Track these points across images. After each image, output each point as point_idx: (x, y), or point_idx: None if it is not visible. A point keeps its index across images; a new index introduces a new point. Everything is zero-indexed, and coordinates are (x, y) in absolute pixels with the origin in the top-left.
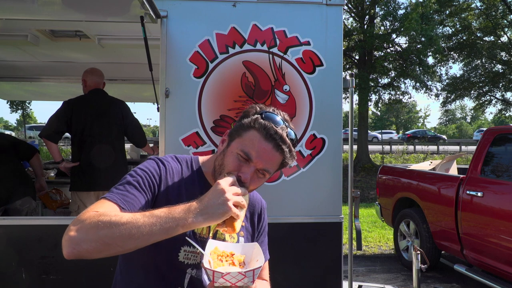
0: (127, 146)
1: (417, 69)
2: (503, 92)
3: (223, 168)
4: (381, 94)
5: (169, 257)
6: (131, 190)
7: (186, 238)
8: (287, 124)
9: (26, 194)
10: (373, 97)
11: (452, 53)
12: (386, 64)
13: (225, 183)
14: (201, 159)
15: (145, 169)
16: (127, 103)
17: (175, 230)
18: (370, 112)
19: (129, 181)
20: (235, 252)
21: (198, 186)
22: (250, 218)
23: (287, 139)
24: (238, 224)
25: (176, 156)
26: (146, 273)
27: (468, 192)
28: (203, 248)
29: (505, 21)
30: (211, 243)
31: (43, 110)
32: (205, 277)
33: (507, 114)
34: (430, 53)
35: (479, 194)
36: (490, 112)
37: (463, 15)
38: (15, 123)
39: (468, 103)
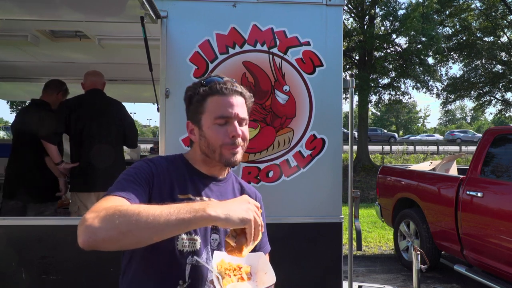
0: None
1: (418, 69)
2: (503, 93)
3: (213, 144)
4: (381, 94)
5: (169, 248)
6: (131, 185)
7: (195, 257)
8: (222, 77)
9: (50, 199)
10: (373, 98)
11: (452, 53)
12: (386, 64)
13: (251, 199)
14: (184, 153)
15: (136, 168)
16: (127, 103)
17: (192, 222)
18: (370, 113)
19: (125, 179)
20: (242, 263)
21: (187, 175)
22: None
23: (234, 82)
24: (246, 251)
25: (161, 156)
26: (147, 270)
27: (468, 192)
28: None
29: (505, 21)
30: (217, 255)
31: None
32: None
33: (507, 115)
34: (430, 53)
35: (479, 194)
36: (490, 113)
37: (463, 15)
38: None
39: (468, 103)
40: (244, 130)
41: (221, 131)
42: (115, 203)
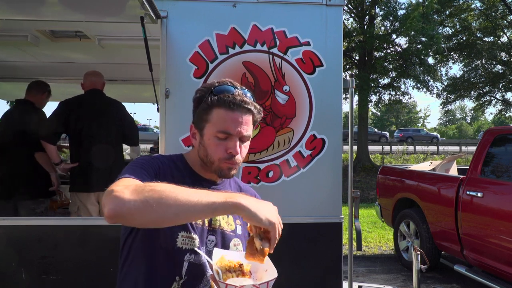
0: (127, 146)
1: (418, 69)
2: (503, 93)
3: (211, 156)
4: (381, 94)
5: (168, 244)
6: (143, 172)
7: (196, 249)
8: (236, 86)
9: (40, 196)
10: (373, 98)
11: (452, 53)
12: (386, 64)
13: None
14: (184, 153)
15: (143, 160)
16: (127, 103)
17: (221, 206)
18: (370, 113)
19: (137, 166)
20: (242, 261)
21: (187, 177)
22: None
23: (247, 99)
24: (267, 257)
25: (162, 154)
26: (144, 266)
27: (468, 192)
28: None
29: (505, 21)
30: (217, 253)
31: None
32: (205, 261)
33: (507, 115)
34: (430, 53)
35: (479, 194)
36: (490, 113)
37: (463, 15)
38: None
39: (468, 103)
40: (244, 147)
41: (220, 146)
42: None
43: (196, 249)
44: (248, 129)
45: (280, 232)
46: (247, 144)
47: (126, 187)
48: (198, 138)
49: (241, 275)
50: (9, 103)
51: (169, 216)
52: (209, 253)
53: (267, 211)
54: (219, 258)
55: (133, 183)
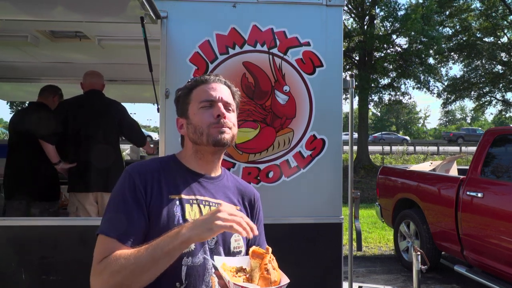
0: (127, 146)
1: (418, 69)
2: (503, 93)
3: (200, 126)
4: (381, 95)
5: None
6: (120, 214)
7: (202, 253)
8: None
9: (56, 198)
10: (374, 97)
11: (452, 54)
12: (386, 64)
13: (227, 206)
14: (176, 153)
15: (122, 187)
16: (127, 103)
17: (173, 249)
18: (370, 113)
19: (116, 204)
20: (244, 266)
21: (179, 175)
22: (242, 203)
23: (220, 76)
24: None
25: (152, 158)
26: None
27: (468, 193)
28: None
29: (505, 22)
30: (218, 260)
31: None
32: (202, 260)
33: (507, 115)
34: (431, 52)
35: (479, 194)
36: (490, 113)
37: (463, 16)
38: None
39: (468, 104)
40: (231, 116)
41: (206, 113)
42: (109, 252)
43: (201, 253)
44: (228, 97)
45: (241, 220)
46: (233, 115)
47: (99, 278)
48: (185, 125)
49: (245, 280)
50: (8, 104)
51: (144, 281)
52: (211, 251)
53: (204, 221)
54: (221, 265)
55: (106, 260)
